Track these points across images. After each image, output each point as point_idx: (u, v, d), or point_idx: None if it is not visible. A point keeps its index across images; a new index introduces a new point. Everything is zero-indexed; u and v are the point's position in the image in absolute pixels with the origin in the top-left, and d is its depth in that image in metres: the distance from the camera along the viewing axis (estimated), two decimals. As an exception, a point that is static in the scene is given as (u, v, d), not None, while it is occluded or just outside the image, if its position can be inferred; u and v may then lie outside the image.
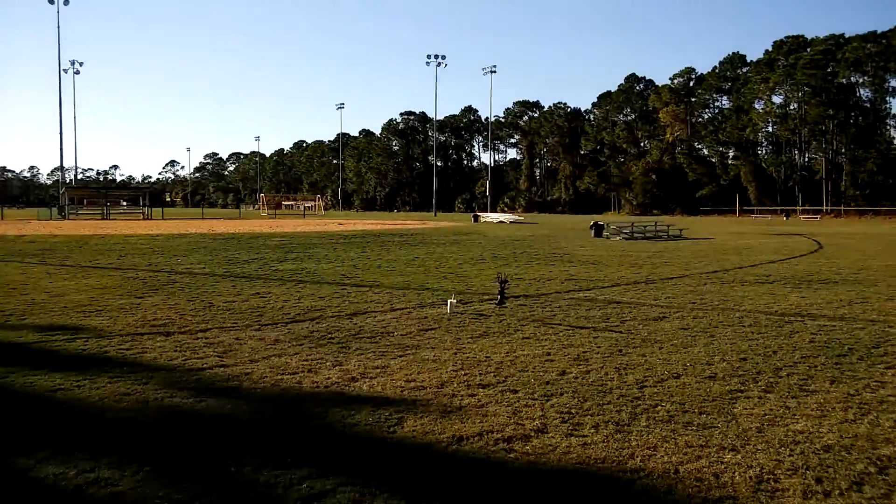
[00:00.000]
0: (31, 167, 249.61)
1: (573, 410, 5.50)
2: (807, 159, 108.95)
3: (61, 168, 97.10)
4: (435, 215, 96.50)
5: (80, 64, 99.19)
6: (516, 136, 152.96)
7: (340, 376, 6.56)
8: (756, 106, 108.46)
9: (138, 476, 4.15)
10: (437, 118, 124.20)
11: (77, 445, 4.64)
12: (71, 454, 4.48)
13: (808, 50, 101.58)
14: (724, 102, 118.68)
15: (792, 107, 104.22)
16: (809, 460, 4.46)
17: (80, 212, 71.79)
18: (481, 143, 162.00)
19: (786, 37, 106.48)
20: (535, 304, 11.37)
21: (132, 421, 5.20)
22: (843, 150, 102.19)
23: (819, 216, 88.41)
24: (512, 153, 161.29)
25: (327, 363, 7.08)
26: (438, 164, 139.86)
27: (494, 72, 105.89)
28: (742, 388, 6.23)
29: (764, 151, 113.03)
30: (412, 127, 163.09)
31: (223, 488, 3.99)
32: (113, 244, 25.79)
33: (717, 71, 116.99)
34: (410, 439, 4.86)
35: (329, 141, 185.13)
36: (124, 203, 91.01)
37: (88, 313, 10.01)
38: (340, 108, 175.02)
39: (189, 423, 5.17)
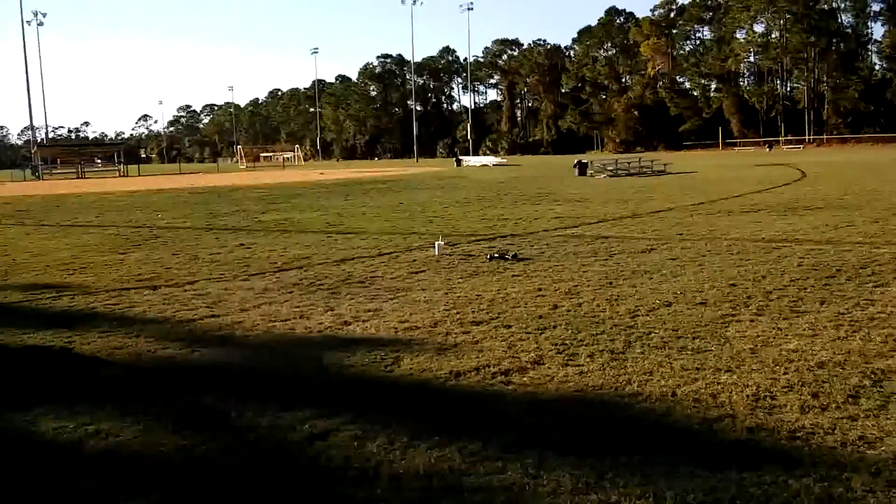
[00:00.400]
0: (1, 127, 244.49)
1: (567, 342, 5.52)
2: (789, 89, 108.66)
3: (31, 127, 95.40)
4: (417, 161, 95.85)
5: (44, 15, 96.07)
6: (496, 77, 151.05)
7: (333, 321, 6.54)
8: (738, 35, 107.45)
9: (139, 426, 4.13)
10: (415, 60, 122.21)
11: (74, 399, 4.60)
12: (69, 408, 4.44)
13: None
14: (705, 33, 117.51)
15: (773, 35, 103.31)
16: (804, 377, 4.51)
17: (53, 172, 70.39)
18: (461, 86, 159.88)
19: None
20: (524, 242, 11.35)
21: (127, 373, 5.16)
22: (825, 79, 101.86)
23: (802, 146, 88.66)
24: (492, 94, 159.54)
25: (318, 309, 7.06)
26: (418, 108, 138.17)
27: (471, 9, 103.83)
28: (733, 312, 6.27)
29: (746, 82, 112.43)
30: (389, 70, 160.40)
31: (227, 433, 3.99)
32: (90, 202, 25.44)
33: (698, 1, 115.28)
34: (408, 377, 4.87)
35: (305, 88, 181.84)
36: (99, 161, 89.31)
37: (72, 271, 9.90)
38: (315, 52, 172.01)
39: (185, 372, 5.15)
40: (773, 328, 5.71)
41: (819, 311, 6.19)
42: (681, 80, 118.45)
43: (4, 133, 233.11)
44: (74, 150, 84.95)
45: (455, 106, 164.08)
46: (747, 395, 4.22)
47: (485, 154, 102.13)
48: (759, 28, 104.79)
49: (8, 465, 3.70)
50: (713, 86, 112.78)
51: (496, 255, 9.80)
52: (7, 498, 3.35)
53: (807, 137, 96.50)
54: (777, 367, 4.75)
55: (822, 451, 3.48)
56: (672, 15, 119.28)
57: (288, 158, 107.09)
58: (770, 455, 3.46)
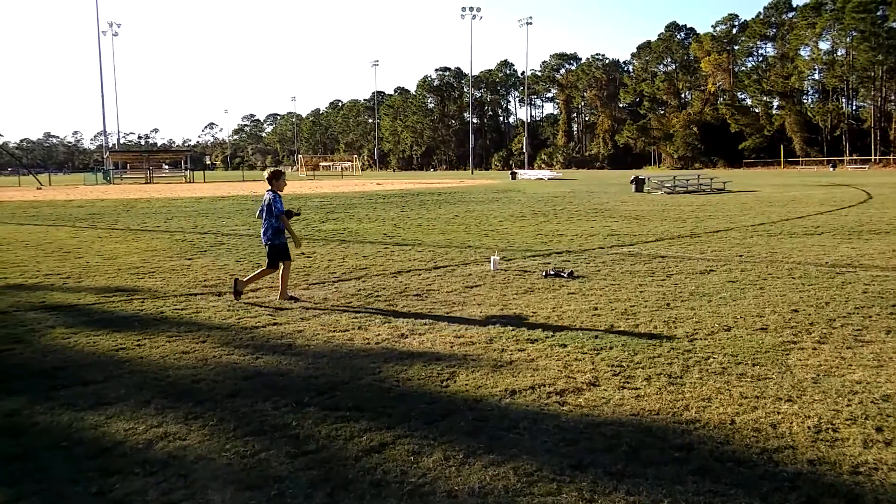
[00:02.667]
0: (75, 132, 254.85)
1: (624, 363, 5.51)
2: (854, 107, 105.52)
3: (104, 133, 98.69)
4: (472, 173, 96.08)
5: (118, 26, 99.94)
6: (553, 91, 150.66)
7: (390, 333, 6.66)
8: (802, 53, 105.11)
9: (204, 430, 4.30)
10: (473, 73, 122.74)
11: (143, 402, 4.81)
12: (138, 410, 4.65)
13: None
14: (768, 50, 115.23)
15: (839, 53, 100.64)
16: (868, 410, 4.42)
17: (124, 176, 73.16)
18: (518, 99, 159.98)
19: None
20: (579, 259, 11.32)
21: (193, 378, 5.36)
22: (893, 97, 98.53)
23: (867, 166, 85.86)
24: (549, 108, 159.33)
25: (376, 320, 7.19)
26: (474, 120, 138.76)
27: (531, 23, 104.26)
28: (795, 339, 6.16)
29: (810, 100, 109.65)
30: (447, 83, 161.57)
31: (287, 441, 4.11)
32: (159, 207, 26.30)
33: (761, 17, 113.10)
34: (463, 393, 4.93)
35: (364, 100, 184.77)
36: (166, 166, 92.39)
37: (142, 275, 10.28)
38: (375, 65, 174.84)
39: (248, 379, 5.32)
40: (837, 357, 5.59)
41: (885, 342, 6.03)
42: (742, 96, 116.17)
43: (78, 138, 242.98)
44: (144, 156, 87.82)
45: (511, 119, 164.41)
46: (808, 427, 4.16)
47: (540, 168, 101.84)
48: (824, 45, 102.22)
49: (79, 464, 3.88)
50: (775, 103, 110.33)
51: (552, 273, 9.80)
52: (79, 498, 3.52)
53: (872, 157, 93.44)
54: (840, 398, 4.66)
55: (886, 488, 3.41)
56: (734, 31, 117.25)
57: (346, 168, 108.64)
58: (831, 490, 3.41)
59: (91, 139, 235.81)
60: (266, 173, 8.49)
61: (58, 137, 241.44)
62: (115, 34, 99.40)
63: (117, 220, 20.80)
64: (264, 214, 8.27)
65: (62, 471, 3.79)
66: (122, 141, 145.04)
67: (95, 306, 8.15)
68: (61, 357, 5.97)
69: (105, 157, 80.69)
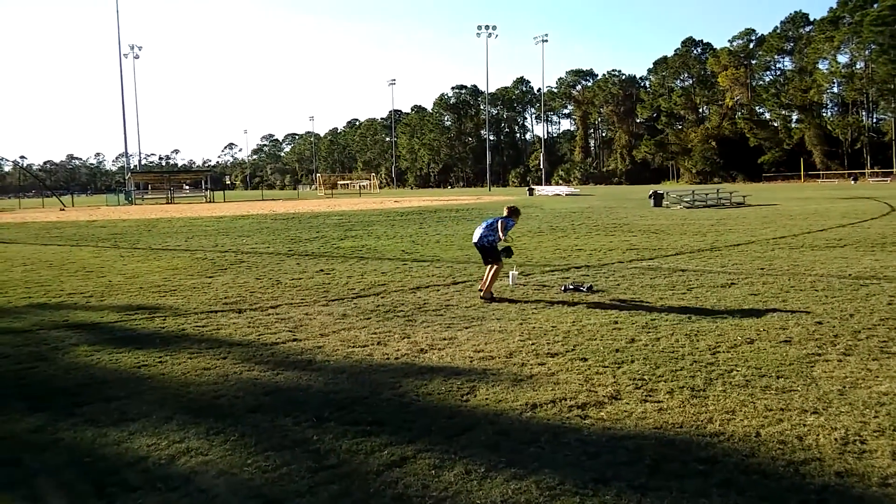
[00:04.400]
0: (97, 154, 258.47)
1: (646, 377, 5.47)
2: (875, 120, 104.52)
3: (126, 154, 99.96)
4: (489, 190, 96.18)
5: (139, 48, 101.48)
6: (570, 107, 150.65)
7: (409, 348, 6.66)
8: (820, 66, 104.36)
9: (226, 445, 4.31)
10: (489, 91, 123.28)
11: (165, 418, 4.84)
12: (160, 426, 4.67)
13: (876, 6, 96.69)
14: (786, 64, 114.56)
15: (858, 66, 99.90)
16: (896, 422, 4.35)
17: (145, 197, 74.09)
18: (534, 116, 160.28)
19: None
20: (598, 274, 11.27)
21: (215, 394, 5.38)
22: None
23: (889, 179, 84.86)
24: (566, 124, 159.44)
25: (395, 336, 7.19)
26: (491, 138, 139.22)
27: (546, 41, 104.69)
28: (820, 351, 6.08)
29: (829, 113, 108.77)
30: (464, 101, 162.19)
31: (308, 456, 4.11)
32: (180, 227, 26.55)
33: (778, 31, 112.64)
34: (484, 407, 4.91)
35: (381, 118, 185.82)
36: (186, 187, 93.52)
37: (164, 293, 10.37)
38: (392, 84, 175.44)
39: (269, 395, 5.33)
40: (863, 369, 5.51)
41: (912, 354, 5.94)
42: (760, 110, 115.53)
43: (101, 159, 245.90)
44: (165, 177, 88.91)
45: (528, 136, 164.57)
46: (835, 439, 4.10)
47: (557, 184, 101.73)
48: (842, 58, 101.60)
49: (102, 479, 3.90)
50: (794, 116, 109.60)
51: (571, 287, 9.76)
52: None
53: (894, 170, 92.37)
54: (867, 409, 4.58)
55: (917, 501, 3.34)
56: (751, 46, 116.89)
57: (364, 186, 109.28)
58: (859, 502, 3.35)
59: (113, 161, 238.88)
60: (506, 210, 9.86)
61: (80, 159, 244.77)
62: (137, 56, 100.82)
63: (139, 239, 21.03)
64: (490, 228, 9.53)
65: (85, 487, 3.81)
66: (143, 162, 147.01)
67: (118, 324, 8.22)
68: (84, 374, 6.03)
69: (127, 178, 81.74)
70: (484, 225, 9.66)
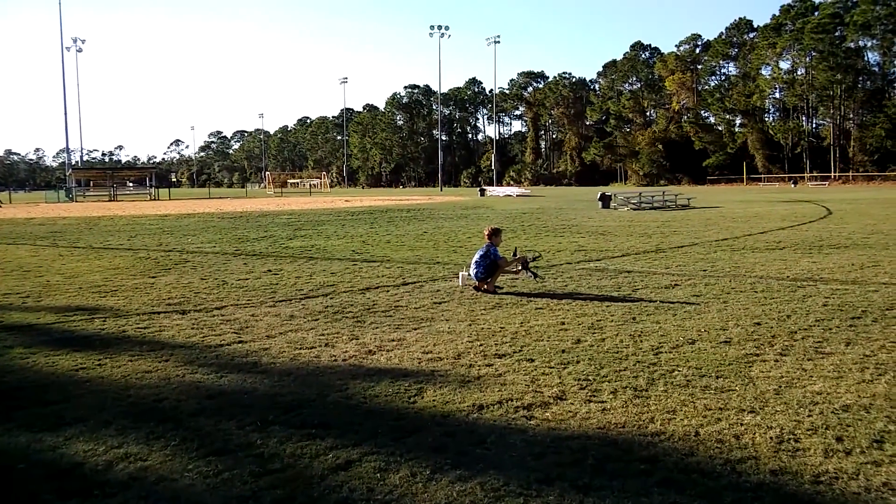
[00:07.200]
0: (37, 149, 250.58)
1: (590, 377, 5.55)
2: (814, 125, 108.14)
3: (67, 150, 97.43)
4: (441, 190, 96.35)
5: (83, 42, 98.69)
6: (521, 108, 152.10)
7: (357, 350, 6.62)
8: (763, 72, 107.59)
9: (167, 450, 4.21)
10: (442, 91, 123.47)
11: (103, 422, 4.71)
12: (98, 431, 4.55)
13: (816, 14, 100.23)
14: (730, 69, 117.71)
15: (799, 72, 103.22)
16: (829, 420, 4.50)
17: (87, 194, 71.90)
18: (486, 116, 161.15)
19: (793, 0, 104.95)
20: (546, 274, 11.39)
21: (156, 397, 5.26)
22: (851, 116, 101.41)
23: (827, 182, 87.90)
24: (517, 125, 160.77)
25: (343, 337, 7.14)
26: (443, 138, 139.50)
27: (498, 42, 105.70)
28: (758, 351, 6.26)
29: (771, 118, 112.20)
30: (416, 101, 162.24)
31: (251, 460, 4.05)
32: (122, 225, 25.90)
33: (723, 37, 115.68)
34: (431, 408, 4.91)
35: (333, 117, 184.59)
36: (130, 184, 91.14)
37: (104, 293, 10.10)
38: (344, 82, 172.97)
39: (212, 398, 5.23)
40: (798, 369, 5.69)
41: (844, 353, 6.16)
42: (705, 114, 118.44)
43: (40, 155, 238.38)
44: (107, 173, 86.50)
45: (480, 136, 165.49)
46: (771, 437, 4.22)
47: (508, 184, 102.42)
48: (784, 65, 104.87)
49: (37, 486, 3.78)
50: (738, 121, 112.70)
51: (530, 260, 10.54)
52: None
53: (832, 174, 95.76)
54: (801, 409, 4.73)
55: (846, 497, 3.47)
56: (697, 51, 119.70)
57: (314, 185, 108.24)
58: (793, 499, 3.46)
59: (53, 156, 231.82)
60: (487, 230, 10.39)
61: (19, 155, 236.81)
62: (80, 50, 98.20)
63: (79, 238, 20.43)
64: (480, 264, 9.85)
65: (20, 493, 3.69)
66: (85, 158, 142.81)
67: (55, 326, 7.97)
68: (19, 377, 5.83)
69: (67, 174, 79.35)
70: (477, 257, 9.95)
